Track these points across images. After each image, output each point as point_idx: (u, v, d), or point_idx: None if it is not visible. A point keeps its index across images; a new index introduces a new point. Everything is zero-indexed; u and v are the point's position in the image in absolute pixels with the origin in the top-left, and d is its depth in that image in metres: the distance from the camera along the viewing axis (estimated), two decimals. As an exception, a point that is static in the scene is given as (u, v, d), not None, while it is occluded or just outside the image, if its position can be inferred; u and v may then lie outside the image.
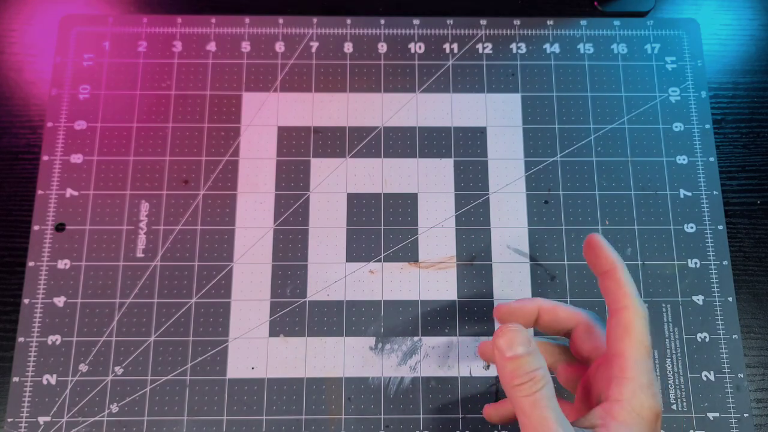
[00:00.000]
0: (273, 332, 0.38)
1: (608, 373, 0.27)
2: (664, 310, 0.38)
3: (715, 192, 0.40)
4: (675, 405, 0.36)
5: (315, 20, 0.43)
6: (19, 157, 0.41)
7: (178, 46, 0.42)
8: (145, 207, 0.39)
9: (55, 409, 0.36)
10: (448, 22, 0.43)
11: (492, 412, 0.34)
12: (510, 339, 0.27)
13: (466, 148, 0.41)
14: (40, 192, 0.40)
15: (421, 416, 0.36)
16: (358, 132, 0.41)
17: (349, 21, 0.43)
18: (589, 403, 0.29)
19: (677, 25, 0.43)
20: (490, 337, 0.38)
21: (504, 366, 0.27)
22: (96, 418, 0.36)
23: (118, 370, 0.37)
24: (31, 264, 0.38)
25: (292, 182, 0.40)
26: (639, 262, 0.39)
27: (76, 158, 0.40)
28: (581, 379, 0.31)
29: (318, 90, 0.42)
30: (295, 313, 0.38)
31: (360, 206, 0.40)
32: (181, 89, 0.42)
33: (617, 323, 0.28)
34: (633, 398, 0.26)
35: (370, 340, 0.37)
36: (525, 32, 0.43)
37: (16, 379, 0.36)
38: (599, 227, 0.39)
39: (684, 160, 0.41)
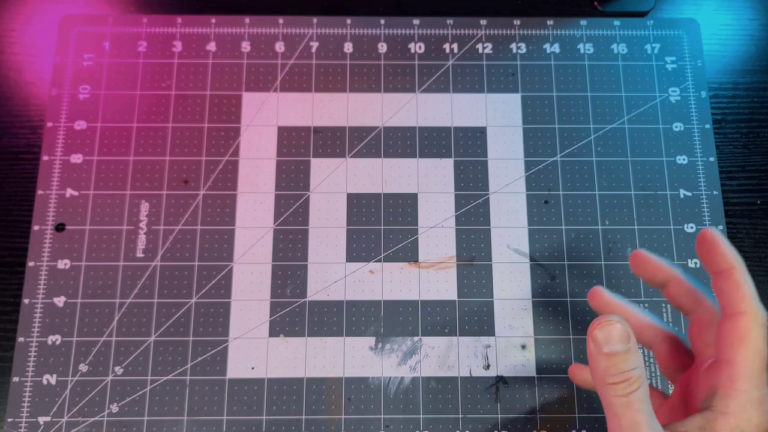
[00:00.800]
0: (273, 332, 0.38)
1: (716, 380, 0.25)
2: (664, 310, 0.38)
3: (715, 192, 0.40)
4: (675, 405, 0.36)
5: (315, 20, 0.43)
6: (19, 157, 0.41)
7: (178, 46, 0.42)
8: (145, 207, 0.39)
9: (55, 409, 0.36)
10: (448, 22, 0.43)
11: (577, 372, 0.32)
12: (609, 332, 0.24)
13: (466, 148, 0.41)
14: (40, 192, 0.40)
15: (421, 416, 0.36)
16: (358, 132, 0.41)
17: (349, 21, 0.43)
18: (688, 404, 0.27)
19: (677, 25, 0.43)
20: (490, 337, 0.38)
21: (598, 361, 0.25)
22: (96, 418, 0.36)
23: (118, 370, 0.37)
24: (31, 264, 0.38)
25: (292, 182, 0.40)
26: (639, 262, 0.39)
27: (76, 158, 0.40)
28: (683, 375, 0.29)
29: (318, 90, 0.42)
30: (295, 313, 0.38)
31: (360, 206, 0.40)
32: (181, 89, 0.42)
33: (732, 329, 0.25)
34: (741, 413, 0.24)
35: (370, 340, 0.37)
36: (525, 32, 0.43)
37: (16, 379, 0.36)
38: (599, 227, 0.39)
39: (684, 160, 0.41)
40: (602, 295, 0.31)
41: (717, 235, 0.27)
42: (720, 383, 0.25)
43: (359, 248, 0.39)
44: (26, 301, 0.38)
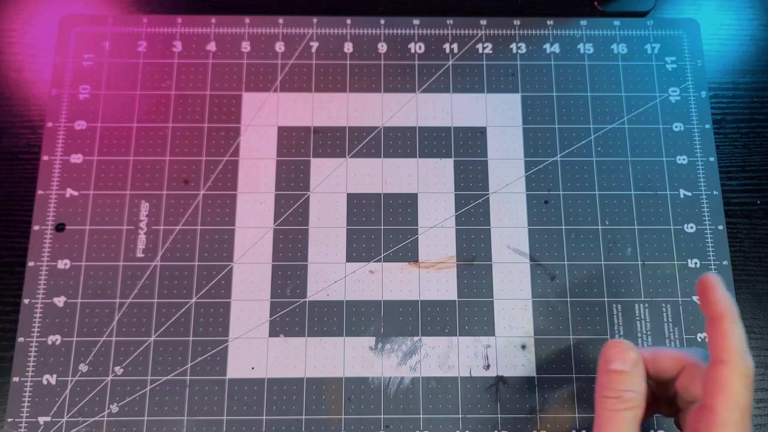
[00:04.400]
0: (273, 332, 0.38)
1: (699, 425, 0.26)
2: (664, 310, 0.38)
3: (715, 192, 0.40)
4: (675, 405, 0.36)
5: (315, 20, 0.43)
6: (19, 157, 0.41)
7: (178, 46, 0.42)
8: (145, 207, 0.39)
9: (55, 409, 0.36)
10: (448, 22, 0.43)
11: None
12: (615, 353, 0.27)
13: (466, 148, 0.41)
14: (40, 192, 0.40)
15: (421, 416, 0.36)
16: (358, 132, 0.41)
17: (349, 21, 0.43)
18: None
19: (677, 25, 0.43)
20: (490, 337, 0.38)
21: (600, 375, 0.28)
22: (96, 418, 0.36)
23: (118, 370, 0.37)
24: (31, 264, 0.38)
25: (292, 182, 0.40)
26: (639, 262, 0.39)
27: (76, 158, 0.40)
28: (682, 418, 0.30)
29: (318, 90, 0.42)
30: (295, 313, 0.38)
31: (360, 206, 0.40)
32: (181, 89, 0.42)
33: (713, 377, 0.26)
34: None
35: (370, 340, 0.37)
36: (525, 32, 0.43)
37: (16, 379, 0.36)
38: (599, 227, 0.39)
39: (684, 160, 0.41)
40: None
41: (715, 281, 0.27)
42: (700, 428, 0.25)
43: (359, 248, 0.39)
44: (26, 301, 0.38)
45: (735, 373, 0.25)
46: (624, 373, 0.27)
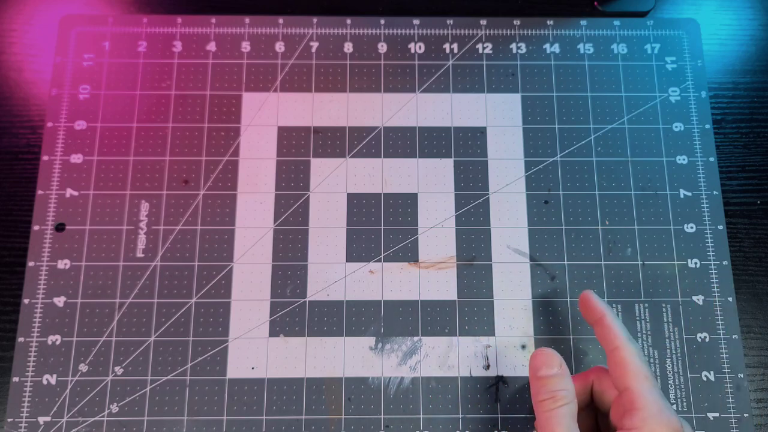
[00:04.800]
0: (273, 332, 0.38)
1: (622, 408, 0.29)
2: (664, 310, 0.38)
3: (715, 192, 0.40)
4: (675, 405, 0.36)
5: (315, 20, 0.43)
6: (19, 157, 0.41)
7: (178, 46, 0.42)
8: (145, 207, 0.39)
9: (55, 409, 0.36)
10: (448, 22, 0.43)
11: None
12: (541, 361, 0.31)
13: (466, 148, 0.41)
14: (40, 192, 0.40)
15: (421, 416, 0.36)
16: (358, 132, 0.41)
17: (349, 21, 0.43)
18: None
19: (677, 25, 0.43)
20: (490, 337, 0.38)
21: (533, 383, 0.31)
22: (96, 418, 0.36)
23: (118, 370, 0.37)
24: (31, 264, 0.38)
25: (292, 182, 0.40)
26: (639, 262, 0.39)
27: (76, 158, 0.40)
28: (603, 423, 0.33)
29: (318, 90, 0.42)
30: (295, 313, 0.38)
31: (360, 206, 0.40)
32: (181, 89, 0.42)
33: (615, 363, 0.30)
34: (644, 426, 0.28)
35: (370, 340, 0.37)
36: (525, 32, 0.43)
37: (16, 379, 0.36)
38: (599, 227, 0.39)
39: (684, 160, 0.41)
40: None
41: (589, 294, 0.33)
42: (625, 408, 0.29)
43: (359, 248, 0.39)
44: (26, 301, 0.38)
45: (628, 351, 0.30)
46: (552, 377, 0.30)
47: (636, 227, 0.40)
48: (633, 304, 0.38)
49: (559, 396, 0.30)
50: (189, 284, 0.38)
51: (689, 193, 0.40)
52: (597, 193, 0.40)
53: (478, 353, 0.37)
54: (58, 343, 0.37)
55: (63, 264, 0.38)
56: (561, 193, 0.40)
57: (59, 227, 0.39)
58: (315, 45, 0.43)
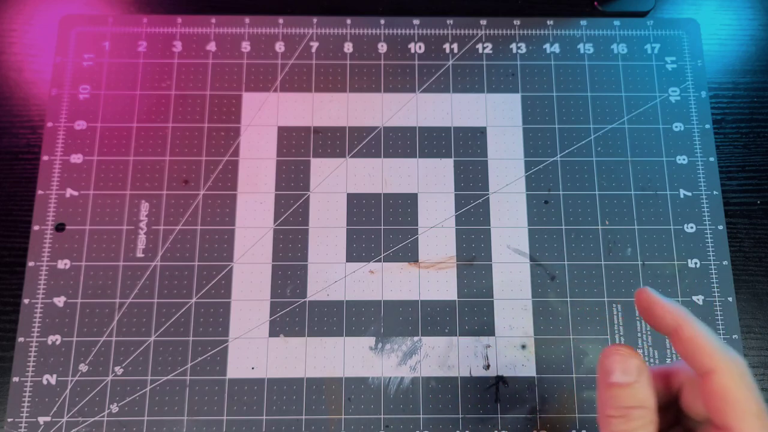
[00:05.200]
0: (273, 332, 0.38)
1: None
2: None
3: (715, 192, 0.40)
4: (675, 405, 0.36)
5: (315, 20, 0.43)
6: (19, 157, 0.41)
7: (178, 46, 0.42)
8: (145, 207, 0.39)
9: (55, 409, 0.36)
10: (448, 22, 0.43)
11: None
12: (615, 362, 0.23)
13: (466, 148, 0.41)
14: (40, 192, 0.40)
15: (421, 416, 0.36)
16: (358, 132, 0.41)
17: (349, 21, 0.43)
18: None
19: (677, 25, 0.43)
20: (490, 337, 0.38)
21: (602, 390, 0.23)
22: (96, 418, 0.36)
23: (118, 370, 0.37)
24: (31, 264, 0.38)
25: (292, 182, 0.40)
26: (639, 262, 0.39)
27: (76, 158, 0.40)
28: None
29: (318, 90, 0.42)
30: (295, 313, 0.38)
31: (360, 206, 0.40)
32: (181, 89, 0.42)
33: (711, 392, 0.22)
34: None
35: (370, 340, 0.37)
36: (525, 32, 0.43)
37: (16, 379, 0.36)
38: (599, 227, 0.39)
39: (684, 160, 0.41)
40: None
41: (651, 294, 0.25)
42: None
43: (359, 248, 0.39)
44: (26, 301, 0.38)
45: (729, 377, 0.22)
46: (628, 386, 0.23)
47: (636, 227, 0.40)
48: (633, 304, 0.38)
49: (635, 415, 0.23)
50: (189, 284, 0.38)
51: (689, 193, 0.40)
52: (597, 193, 0.40)
53: (478, 353, 0.37)
54: (58, 343, 0.37)
55: (63, 264, 0.38)
56: (561, 193, 0.40)
57: (59, 227, 0.39)
58: (315, 45, 0.43)
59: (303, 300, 0.38)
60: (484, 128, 0.41)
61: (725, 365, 0.22)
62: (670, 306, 0.24)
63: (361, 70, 0.42)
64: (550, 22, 0.43)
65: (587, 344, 0.37)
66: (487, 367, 0.37)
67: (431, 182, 0.40)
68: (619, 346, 0.24)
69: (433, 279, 0.38)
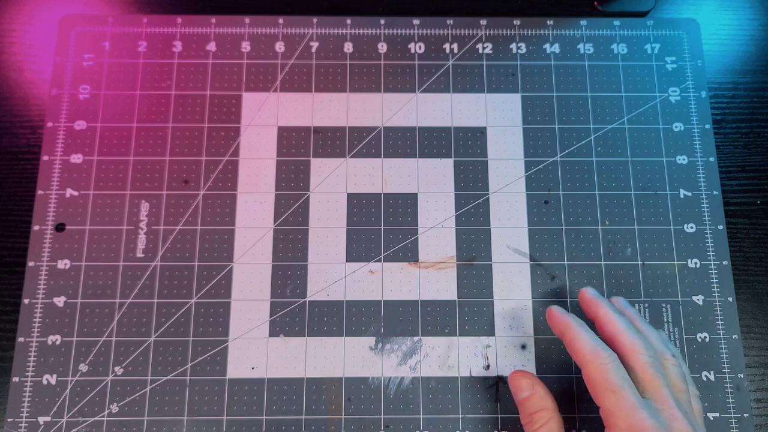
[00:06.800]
0: (273, 332, 0.38)
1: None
2: (664, 310, 0.38)
3: (715, 192, 0.40)
4: (675, 405, 0.36)
5: (315, 20, 0.43)
6: (19, 157, 0.41)
7: (178, 46, 0.42)
8: (145, 207, 0.39)
9: (55, 409, 0.36)
10: (448, 22, 0.43)
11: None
12: (514, 386, 0.33)
13: (466, 148, 0.41)
14: (40, 192, 0.40)
15: (421, 416, 0.36)
16: (358, 132, 0.41)
17: (349, 21, 0.43)
18: None
19: (677, 25, 0.43)
20: (490, 337, 0.38)
21: (518, 405, 0.33)
22: (96, 418, 0.36)
23: (118, 370, 0.37)
24: (31, 264, 0.38)
25: (292, 182, 0.40)
26: (639, 262, 0.39)
27: (76, 158, 0.40)
28: None
29: (318, 90, 0.42)
30: (295, 313, 0.38)
31: (360, 206, 0.40)
32: (181, 89, 0.42)
33: (587, 381, 0.30)
34: None
35: (370, 340, 0.37)
36: (525, 32, 0.43)
37: (16, 379, 0.36)
38: (599, 227, 0.39)
39: (684, 160, 0.41)
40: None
41: (553, 310, 0.33)
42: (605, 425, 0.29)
43: (359, 248, 0.39)
44: (26, 301, 0.38)
45: (592, 368, 0.29)
46: (527, 398, 0.32)
47: (636, 227, 0.40)
48: (633, 304, 0.38)
49: (536, 418, 0.31)
50: (189, 284, 0.38)
51: (689, 193, 0.40)
52: (597, 193, 0.40)
53: (478, 353, 0.37)
54: (58, 343, 0.37)
55: (63, 264, 0.38)
56: (561, 193, 0.40)
57: (59, 227, 0.39)
58: (315, 45, 0.43)
59: (303, 300, 0.38)
60: (484, 128, 0.41)
61: (590, 359, 0.29)
62: (560, 316, 0.32)
63: (361, 70, 0.42)
64: (550, 22, 0.43)
65: (587, 344, 0.37)
66: (487, 367, 0.37)
67: (431, 182, 0.40)
68: (516, 371, 0.33)
69: (433, 279, 0.38)
